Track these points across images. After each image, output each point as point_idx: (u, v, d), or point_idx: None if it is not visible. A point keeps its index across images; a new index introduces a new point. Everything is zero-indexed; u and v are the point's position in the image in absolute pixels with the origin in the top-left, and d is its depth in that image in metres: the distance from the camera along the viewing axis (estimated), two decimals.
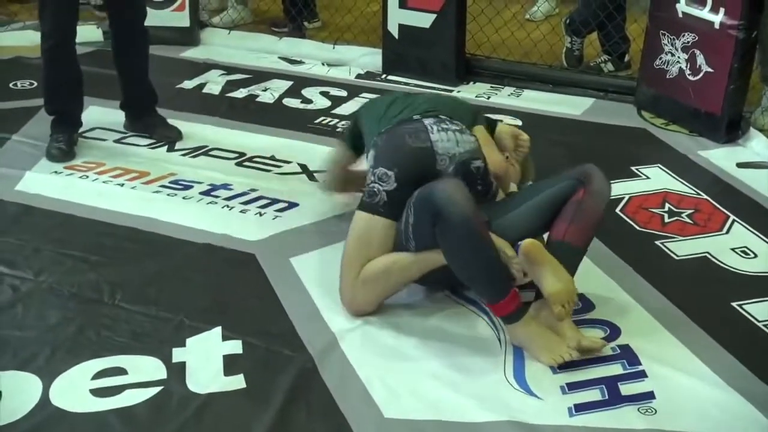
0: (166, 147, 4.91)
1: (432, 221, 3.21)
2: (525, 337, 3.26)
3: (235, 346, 3.29)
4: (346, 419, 2.97)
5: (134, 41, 4.95)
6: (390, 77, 6.08)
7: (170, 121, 5.17)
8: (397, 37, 6.04)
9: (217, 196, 4.38)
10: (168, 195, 4.39)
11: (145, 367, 3.18)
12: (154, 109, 5.13)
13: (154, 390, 3.08)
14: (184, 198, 4.36)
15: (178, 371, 3.16)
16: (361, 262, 3.43)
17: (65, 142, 4.74)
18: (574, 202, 3.40)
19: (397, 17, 6.00)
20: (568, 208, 3.40)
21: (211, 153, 4.86)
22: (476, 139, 3.64)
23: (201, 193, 4.41)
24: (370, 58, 6.27)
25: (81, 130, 4.94)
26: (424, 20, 5.91)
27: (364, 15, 6.80)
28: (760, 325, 3.51)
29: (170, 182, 4.51)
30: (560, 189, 3.46)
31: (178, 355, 3.25)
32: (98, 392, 3.06)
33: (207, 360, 3.23)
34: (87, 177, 4.56)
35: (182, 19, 6.63)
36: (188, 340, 3.32)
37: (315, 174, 4.61)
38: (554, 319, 3.28)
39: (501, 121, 4.16)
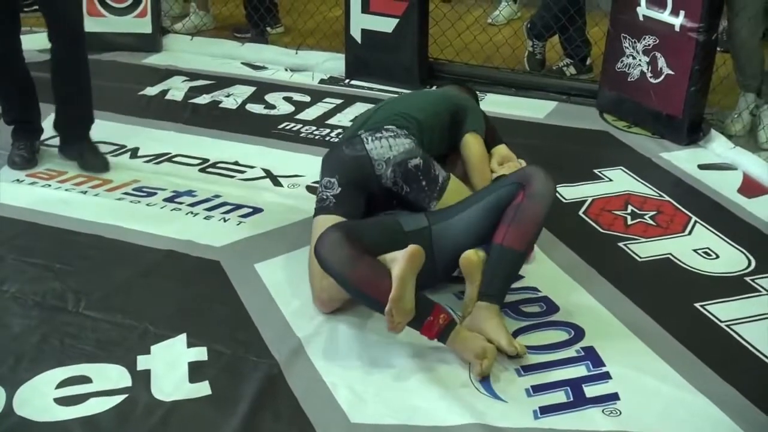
0: (128, 154, 4.89)
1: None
2: (453, 346, 3.26)
3: (200, 353, 3.28)
4: (313, 425, 2.97)
5: (69, 59, 4.60)
6: (353, 82, 6.08)
7: (132, 128, 5.16)
8: (360, 41, 6.05)
9: (180, 203, 4.37)
10: (131, 202, 4.37)
11: (110, 375, 3.17)
12: (87, 135, 4.81)
13: (119, 398, 3.06)
14: (147, 205, 4.34)
15: (143, 379, 3.15)
16: None
17: (27, 150, 4.71)
18: (514, 206, 3.46)
19: (360, 22, 6.00)
20: (508, 212, 3.46)
21: (174, 159, 4.85)
22: (412, 141, 3.77)
23: (165, 200, 4.39)
24: (333, 63, 6.26)
25: (43, 137, 4.90)
26: (386, 25, 5.91)
27: (326, 20, 6.80)
28: (722, 325, 3.54)
29: (134, 189, 4.49)
30: (500, 194, 3.52)
31: (142, 362, 3.23)
32: (63, 401, 3.05)
33: (172, 367, 3.22)
34: (50, 185, 4.53)
35: (144, 26, 6.59)
36: (153, 348, 3.31)
37: (279, 179, 4.61)
38: (483, 319, 3.33)
39: (505, 143, 4.19)
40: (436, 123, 3.97)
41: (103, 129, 5.08)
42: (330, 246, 3.30)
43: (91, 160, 4.71)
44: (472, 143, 4.01)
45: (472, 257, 3.41)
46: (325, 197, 3.69)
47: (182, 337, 3.36)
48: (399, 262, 3.18)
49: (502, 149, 4.12)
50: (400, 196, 3.74)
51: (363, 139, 3.79)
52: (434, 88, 4.85)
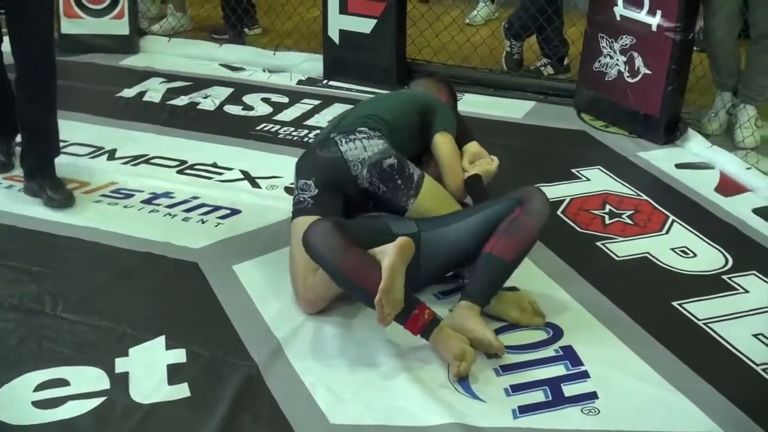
0: (106, 155, 4.87)
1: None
2: (434, 344, 3.27)
3: (179, 355, 3.28)
4: (292, 426, 2.97)
5: (33, 86, 4.26)
6: (331, 83, 6.07)
7: (110, 130, 5.15)
8: (337, 42, 6.04)
9: (158, 205, 4.36)
10: (109, 204, 4.35)
11: (88, 378, 3.16)
12: (52, 168, 4.43)
13: (98, 401, 3.05)
14: (125, 207, 4.33)
15: (121, 381, 3.14)
16: (305, 260, 3.45)
17: (3, 153, 4.67)
18: (509, 220, 3.46)
19: (338, 23, 6.00)
20: (503, 224, 3.46)
21: (152, 161, 4.83)
22: (385, 142, 3.79)
23: (142, 202, 4.38)
24: (311, 64, 6.26)
25: (19, 140, 4.87)
26: (364, 25, 5.91)
27: (304, 21, 6.79)
28: (700, 323, 3.55)
29: (111, 191, 4.48)
30: (498, 209, 3.53)
31: (121, 365, 3.22)
32: (40, 404, 3.04)
33: (150, 369, 3.21)
34: None
35: (121, 27, 6.57)
36: (131, 350, 3.30)
37: (257, 180, 4.60)
38: (464, 318, 3.33)
39: (475, 140, 4.19)
40: (405, 124, 3.98)
41: (81, 131, 5.09)
42: (320, 234, 3.30)
43: (54, 194, 4.33)
44: (442, 143, 4.02)
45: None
46: (302, 199, 3.68)
47: (161, 340, 3.36)
48: (389, 253, 3.19)
49: (472, 147, 4.12)
50: (376, 196, 3.74)
51: (337, 141, 3.78)
52: (412, 82, 4.83)
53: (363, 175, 3.70)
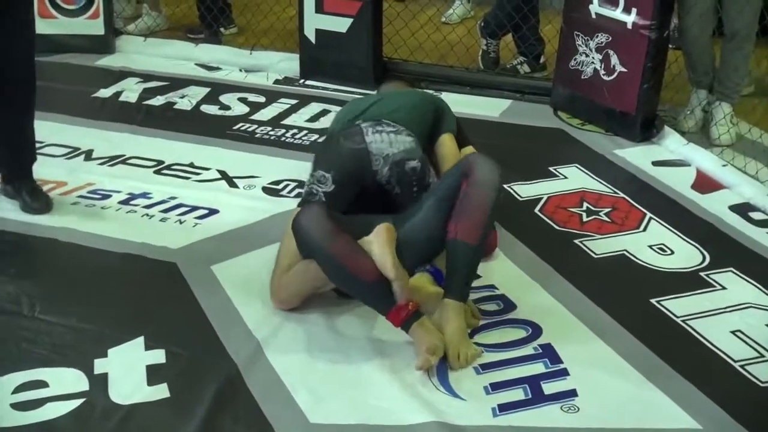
0: (83, 156, 4.85)
1: (307, 255, 3.36)
2: (413, 335, 3.26)
3: (158, 356, 3.27)
4: (272, 426, 2.97)
5: (13, 99, 4.22)
6: (308, 82, 6.06)
7: (86, 130, 5.13)
8: (314, 41, 6.03)
9: (136, 205, 4.34)
10: (86, 205, 4.34)
11: (67, 380, 3.15)
12: (29, 174, 4.40)
13: (77, 402, 3.05)
14: (102, 208, 4.32)
15: (100, 382, 3.14)
16: (291, 258, 3.47)
17: None
18: (460, 197, 3.44)
19: (314, 22, 5.98)
20: (456, 205, 3.43)
21: (129, 161, 4.81)
22: (414, 140, 3.76)
23: (120, 203, 4.37)
24: (288, 63, 6.24)
25: None
26: (340, 24, 5.90)
27: (280, 20, 6.77)
28: (678, 320, 3.57)
29: (88, 192, 4.46)
30: (447, 185, 3.53)
31: (100, 366, 3.22)
32: (19, 406, 3.03)
33: (130, 370, 3.20)
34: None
35: (97, 27, 6.54)
36: (110, 351, 3.29)
37: (235, 180, 4.60)
38: (446, 321, 3.32)
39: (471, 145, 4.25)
40: (424, 124, 4.01)
41: (57, 132, 5.06)
42: (313, 218, 3.32)
43: (31, 202, 4.28)
44: (449, 143, 4.09)
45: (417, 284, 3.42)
46: (314, 192, 3.65)
47: (140, 340, 3.35)
48: (376, 242, 3.26)
49: (469, 150, 4.17)
50: (390, 194, 3.72)
51: (362, 130, 3.75)
52: (382, 84, 4.83)
53: (383, 172, 3.67)
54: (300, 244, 3.38)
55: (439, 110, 4.17)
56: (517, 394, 3.14)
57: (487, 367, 3.27)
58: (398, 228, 3.53)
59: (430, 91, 4.35)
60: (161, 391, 3.11)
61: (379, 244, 3.26)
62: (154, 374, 3.18)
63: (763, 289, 3.78)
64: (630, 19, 5.02)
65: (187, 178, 4.65)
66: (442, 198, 3.51)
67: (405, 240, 3.49)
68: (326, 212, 3.35)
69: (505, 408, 3.08)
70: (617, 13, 5.09)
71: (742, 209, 4.45)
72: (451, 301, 3.35)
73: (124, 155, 4.88)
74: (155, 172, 4.71)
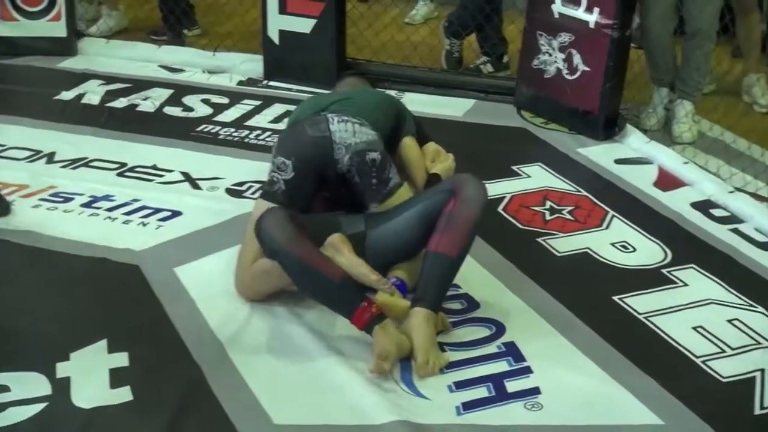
0: (45, 159, 4.81)
1: (269, 255, 3.37)
2: (374, 337, 3.26)
3: (121, 359, 3.26)
4: (236, 429, 2.97)
5: None
6: (272, 83, 6.05)
7: (48, 133, 5.10)
8: (277, 42, 6.02)
9: (98, 208, 4.32)
10: (48, 209, 4.31)
11: (29, 384, 3.13)
12: None
13: (39, 406, 3.02)
14: (65, 211, 4.29)
15: (62, 386, 3.12)
16: (254, 253, 3.50)
17: None
18: (446, 213, 3.46)
19: (277, 23, 5.97)
20: (441, 219, 3.46)
21: (91, 164, 4.78)
22: (376, 135, 3.77)
23: (82, 205, 4.34)
24: (251, 64, 6.23)
25: None
26: (304, 25, 5.90)
27: (243, 22, 6.76)
28: (640, 317, 3.59)
29: (50, 195, 4.43)
30: (433, 201, 3.54)
31: (62, 370, 3.19)
32: None
33: (92, 374, 3.18)
34: None
35: (59, 29, 6.49)
36: (72, 355, 3.27)
37: (198, 182, 4.58)
38: (413, 327, 3.31)
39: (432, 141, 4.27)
40: (386, 123, 4.00)
41: (19, 135, 5.03)
42: (275, 222, 3.33)
43: None
44: (411, 146, 4.10)
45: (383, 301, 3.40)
46: (275, 180, 3.65)
47: (102, 343, 3.33)
48: (336, 255, 3.31)
49: (431, 146, 4.20)
50: (349, 184, 3.71)
51: (328, 119, 3.74)
52: (338, 82, 4.84)
53: (344, 160, 3.66)
54: (264, 248, 3.38)
55: (401, 112, 4.18)
56: (481, 393, 3.15)
57: (451, 366, 3.28)
58: (369, 227, 3.55)
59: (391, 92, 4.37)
60: (124, 395, 3.09)
61: (342, 256, 3.30)
62: (117, 377, 3.17)
63: (725, 285, 3.81)
64: (592, 18, 5.05)
65: (150, 180, 4.63)
66: (426, 213, 3.52)
67: (373, 242, 3.53)
68: (288, 216, 3.35)
69: (468, 406, 3.09)
70: (580, 13, 5.11)
71: (704, 206, 4.48)
72: (423, 310, 3.34)
73: (87, 158, 4.85)
74: (118, 174, 4.68)
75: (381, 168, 3.69)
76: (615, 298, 3.71)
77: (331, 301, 3.34)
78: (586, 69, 5.15)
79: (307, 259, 3.27)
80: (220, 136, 5.18)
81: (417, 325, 3.30)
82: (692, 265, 3.95)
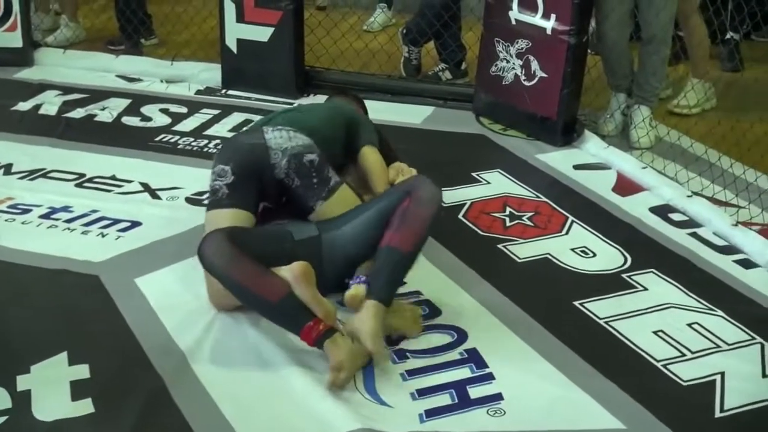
0: (2, 171, 4.77)
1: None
2: (327, 351, 3.25)
3: (82, 371, 3.23)
4: None
5: None
6: (230, 92, 6.03)
7: (5, 144, 5.06)
8: (235, 51, 6.01)
9: (57, 219, 4.29)
10: (6, 220, 4.27)
11: None
12: None
13: None
14: (23, 223, 4.26)
15: (23, 400, 3.09)
16: None
17: None
18: (400, 211, 3.49)
19: (235, 32, 5.96)
20: (395, 217, 3.49)
21: (49, 175, 4.75)
22: (312, 141, 3.81)
23: (40, 217, 4.31)
24: (210, 73, 6.21)
25: None
26: (262, 34, 5.89)
27: (201, 30, 6.74)
28: (601, 322, 3.61)
29: (8, 207, 4.39)
30: (389, 202, 3.57)
31: (22, 383, 3.16)
32: None
33: (53, 386, 3.16)
34: None
35: (14, 40, 6.45)
36: (33, 367, 3.24)
37: (157, 192, 4.56)
38: (362, 320, 3.31)
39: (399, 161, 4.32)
40: (331, 135, 4.01)
41: None
42: (214, 245, 3.34)
43: None
44: (370, 154, 4.13)
45: (354, 294, 3.42)
46: (218, 187, 3.69)
47: (63, 356, 3.31)
48: (296, 286, 3.25)
49: (397, 164, 4.25)
50: (289, 190, 3.74)
51: (262, 130, 3.82)
52: (326, 99, 4.85)
53: (281, 164, 3.70)
54: (206, 271, 3.41)
55: (353, 124, 4.18)
56: (444, 400, 3.15)
57: (413, 373, 3.28)
58: (323, 231, 3.56)
59: (350, 107, 4.39)
60: (85, 407, 3.06)
61: (302, 291, 3.27)
62: (78, 390, 3.14)
63: (684, 289, 3.84)
64: (549, 25, 5.07)
65: (109, 190, 4.60)
66: (382, 214, 3.55)
67: (330, 246, 3.54)
68: (229, 238, 3.35)
69: (431, 413, 3.09)
70: (536, 20, 5.14)
71: (662, 211, 4.51)
72: (370, 302, 3.34)
73: (45, 169, 4.81)
74: (76, 185, 4.65)
75: (320, 168, 3.75)
76: (576, 303, 3.73)
77: (275, 320, 3.36)
78: (544, 75, 5.17)
79: (245, 282, 3.28)
80: (179, 146, 5.16)
81: (362, 321, 3.29)
82: (651, 270, 3.97)
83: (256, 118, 5.24)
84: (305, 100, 5.84)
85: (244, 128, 4.41)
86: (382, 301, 3.36)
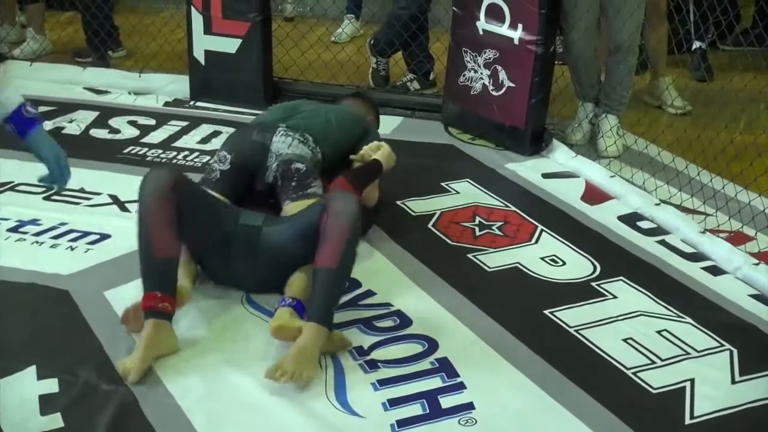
0: None
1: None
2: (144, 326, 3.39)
3: (51, 385, 3.22)
4: None
5: None
6: (198, 104, 6.02)
7: None
8: (203, 63, 6.00)
9: (25, 233, 4.27)
10: None
11: None
12: None
13: None
14: None
15: None
16: None
17: None
18: (321, 228, 3.52)
19: (203, 43, 5.95)
20: (319, 236, 3.52)
21: (17, 188, 4.71)
22: (313, 156, 3.98)
23: (8, 230, 4.28)
24: (178, 85, 6.20)
25: None
26: (229, 45, 5.88)
27: (169, 42, 6.72)
28: (571, 331, 3.62)
29: None
30: (314, 211, 3.62)
31: None
32: None
33: (22, 401, 3.14)
34: None
35: None
36: (1, 382, 3.22)
37: (126, 204, 4.54)
38: (300, 348, 3.30)
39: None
40: (342, 142, 4.21)
41: None
42: (157, 177, 3.59)
43: None
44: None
45: (278, 325, 3.42)
46: (213, 169, 3.94)
47: (31, 370, 3.29)
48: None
49: (375, 143, 4.34)
50: (273, 189, 3.89)
51: (277, 130, 4.00)
52: (342, 100, 4.87)
53: (272, 167, 3.89)
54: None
55: (365, 136, 4.35)
56: (415, 410, 3.15)
57: (384, 383, 3.28)
58: (266, 225, 3.67)
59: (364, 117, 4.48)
60: (55, 421, 3.05)
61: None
62: (47, 404, 3.13)
63: (653, 297, 3.85)
64: (516, 35, 5.09)
65: (78, 203, 4.58)
66: (306, 225, 3.61)
67: (266, 240, 3.66)
68: (174, 183, 3.53)
69: (403, 424, 3.09)
70: (504, 30, 5.16)
71: (631, 219, 4.54)
72: (309, 324, 3.34)
73: (12, 182, 4.77)
74: (44, 198, 4.62)
75: (304, 177, 3.87)
76: (546, 311, 3.74)
77: (144, 270, 3.49)
78: (512, 85, 5.19)
79: (150, 222, 3.49)
80: (148, 158, 5.14)
81: (300, 340, 3.29)
82: (621, 278, 3.99)
83: (225, 129, 5.30)
84: None
85: (271, 107, 4.65)
86: (318, 321, 3.36)
